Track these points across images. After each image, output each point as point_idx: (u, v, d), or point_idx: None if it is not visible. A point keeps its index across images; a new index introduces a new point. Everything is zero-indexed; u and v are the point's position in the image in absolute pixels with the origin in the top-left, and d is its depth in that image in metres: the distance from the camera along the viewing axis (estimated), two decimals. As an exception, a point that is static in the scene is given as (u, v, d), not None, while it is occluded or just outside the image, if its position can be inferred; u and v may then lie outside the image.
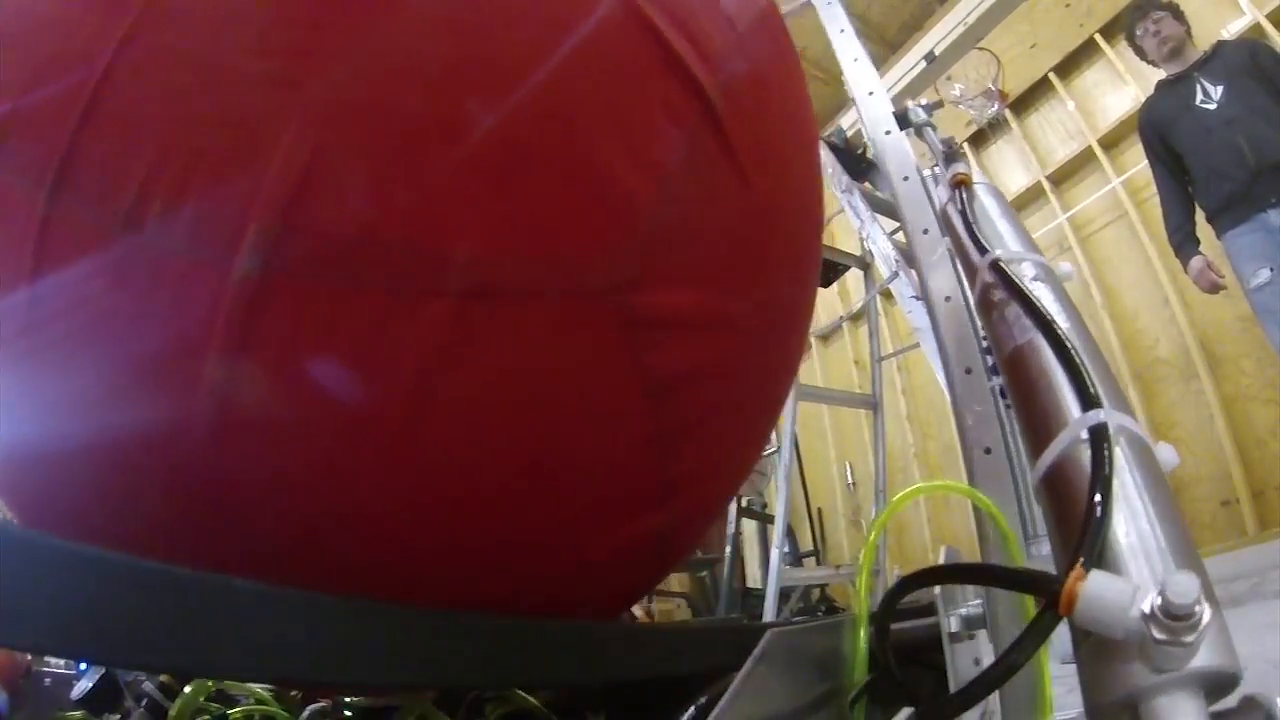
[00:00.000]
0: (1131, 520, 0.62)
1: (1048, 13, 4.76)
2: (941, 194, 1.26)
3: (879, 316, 3.80)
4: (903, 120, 1.51)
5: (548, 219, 0.58)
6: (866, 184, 2.92)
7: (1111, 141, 4.38)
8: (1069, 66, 4.74)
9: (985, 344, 1.08)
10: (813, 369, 6.20)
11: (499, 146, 0.56)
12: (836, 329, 6.13)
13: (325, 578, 0.56)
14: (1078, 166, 4.62)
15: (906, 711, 0.73)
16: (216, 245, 0.50)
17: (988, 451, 1.02)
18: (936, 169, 1.43)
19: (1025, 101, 4.96)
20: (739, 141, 0.69)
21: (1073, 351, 0.75)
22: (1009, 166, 5.00)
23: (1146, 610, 0.49)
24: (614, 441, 0.67)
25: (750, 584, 5.63)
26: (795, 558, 5.28)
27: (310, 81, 0.52)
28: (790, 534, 4.83)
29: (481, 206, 0.55)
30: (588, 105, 0.60)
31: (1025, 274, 0.93)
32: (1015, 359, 0.84)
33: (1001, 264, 0.94)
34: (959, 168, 1.23)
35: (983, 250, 1.00)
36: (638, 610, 3.92)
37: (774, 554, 2.89)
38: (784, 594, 2.90)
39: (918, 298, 2.22)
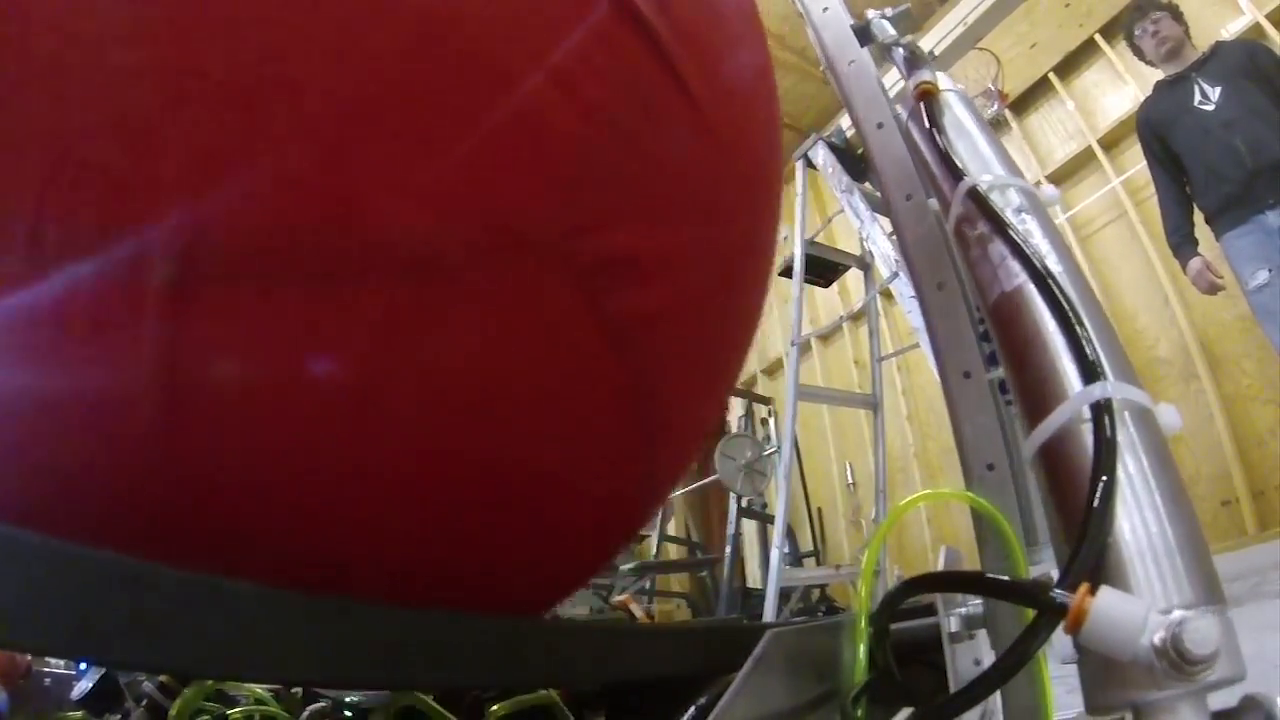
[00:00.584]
0: (1139, 515, 0.58)
1: (1048, 13, 4.77)
2: (904, 108, 1.07)
3: (879, 316, 3.79)
4: (864, 35, 1.22)
5: (478, 175, 0.53)
6: (866, 184, 2.93)
7: (1111, 141, 4.40)
8: (1069, 66, 4.76)
9: (983, 329, 0.91)
10: (813, 368, 6.21)
11: (413, 105, 0.52)
12: (836, 329, 6.12)
13: (296, 569, 0.55)
14: (1077, 166, 4.63)
15: (906, 711, 0.73)
16: (124, 260, 0.46)
17: (991, 467, 0.93)
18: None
19: (1025, 101, 4.98)
20: (685, 67, 0.64)
21: (1069, 309, 0.67)
22: (1008, 167, 5.02)
23: (1158, 644, 0.47)
24: (587, 398, 0.65)
25: (750, 584, 5.66)
26: (795, 558, 5.31)
27: (195, 65, 0.48)
28: (790, 534, 4.88)
29: (402, 175, 0.51)
30: (505, 40, 0.55)
31: (1009, 203, 0.81)
32: (1003, 309, 0.75)
33: (980, 193, 0.81)
34: (922, 75, 1.03)
35: (957, 176, 0.86)
36: (637, 610, 3.92)
37: (774, 554, 2.90)
38: (784, 594, 2.91)
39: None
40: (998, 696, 0.78)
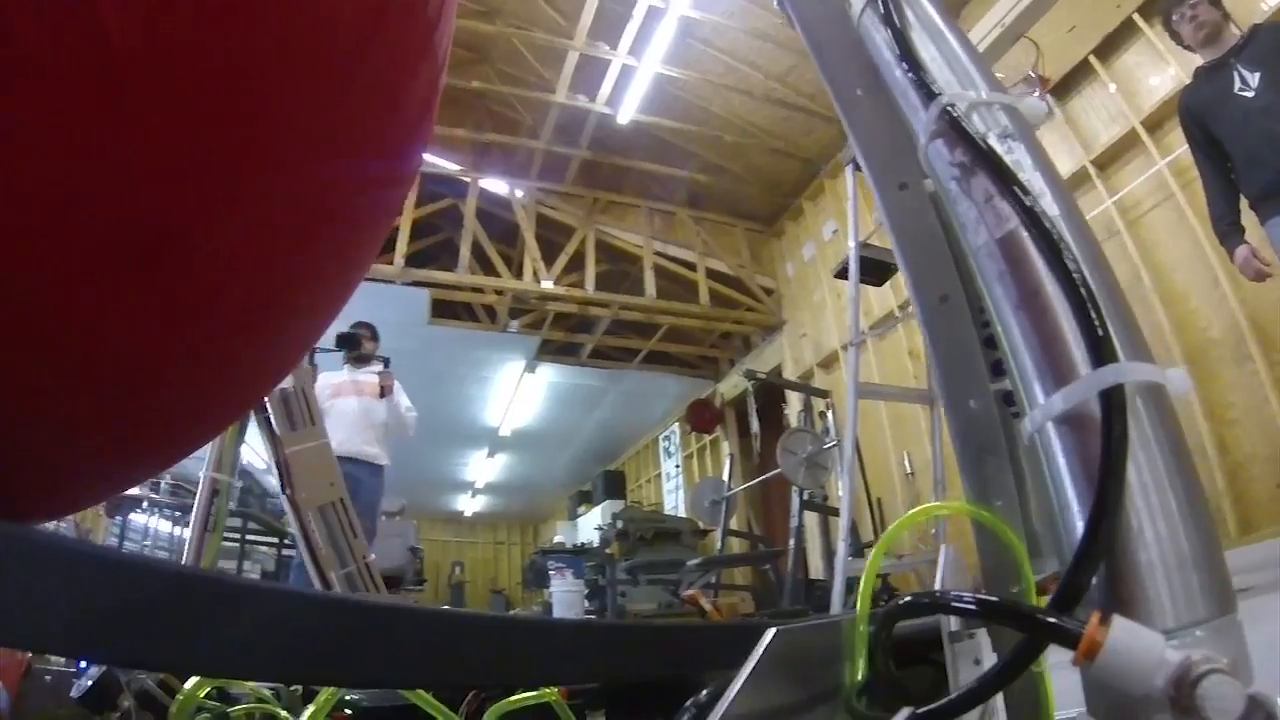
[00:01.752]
0: (1150, 524, 0.53)
1: (1085, -6, 4.64)
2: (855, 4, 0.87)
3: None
4: None
5: None
6: None
7: (1155, 123, 4.27)
8: (1109, 48, 4.63)
9: (986, 333, 0.80)
10: (868, 361, 6.17)
11: None
12: (891, 326, 6.07)
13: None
14: (1122, 150, 4.51)
15: (906, 711, 0.71)
16: None
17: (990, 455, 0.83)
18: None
19: (1066, 86, 4.87)
20: None
21: (1074, 268, 0.59)
22: (1053, 153, 4.89)
23: (1173, 691, 0.44)
24: None
25: (812, 575, 5.66)
26: (857, 548, 5.30)
27: None
28: (851, 525, 4.88)
29: None
30: None
31: (995, 124, 0.67)
32: (995, 259, 0.65)
33: (956, 115, 0.67)
34: None
35: (929, 94, 0.71)
36: (705, 604, 3.89)
37: (840, 546, 2.92)
38: (848, 584, 2.90)
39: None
40: (998, 696, 0.76)
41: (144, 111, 0.61)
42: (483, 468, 12.80)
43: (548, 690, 1.00)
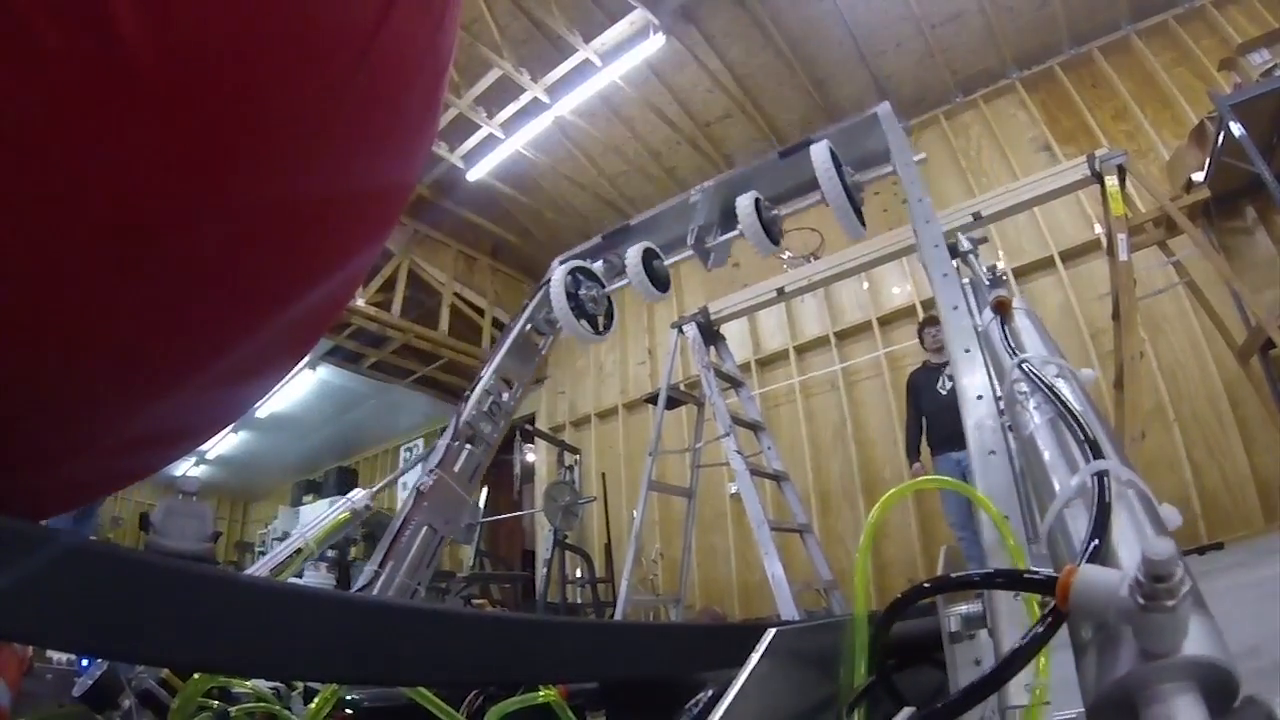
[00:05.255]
0: (1127, 532, 0.66)
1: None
2: (986, 315, 1.55)
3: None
4: (953, 251, 1.93)
5: None
6: (715, 358, 4.21)
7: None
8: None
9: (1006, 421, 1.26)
10: (615, 430, 7.93)
11: None
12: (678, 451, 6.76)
13: None
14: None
15: (908, 711, 0.73)
16: None
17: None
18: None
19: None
20: None
21: (1080, 418, 0.86)
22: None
23: (1131, 580, 0.51)
24: None
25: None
26: (593, 580, 7.04)
27: None
28: (588, 560, 6.91)
29: None
30: None
31: (1048, 373, 1.07)
32: (1033, 439, 0.95)
33: (1027, 365, 1.11)
34: (999, 292, 1.57)
35: (1014, 353, 1.21)
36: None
37: (623, 585, 3.22)
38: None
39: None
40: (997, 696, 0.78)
41: (155, 106, 0.61)
42: (221, 440, 12.18)
43: (548, 690, 1.01)
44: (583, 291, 2.70)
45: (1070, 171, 3.94)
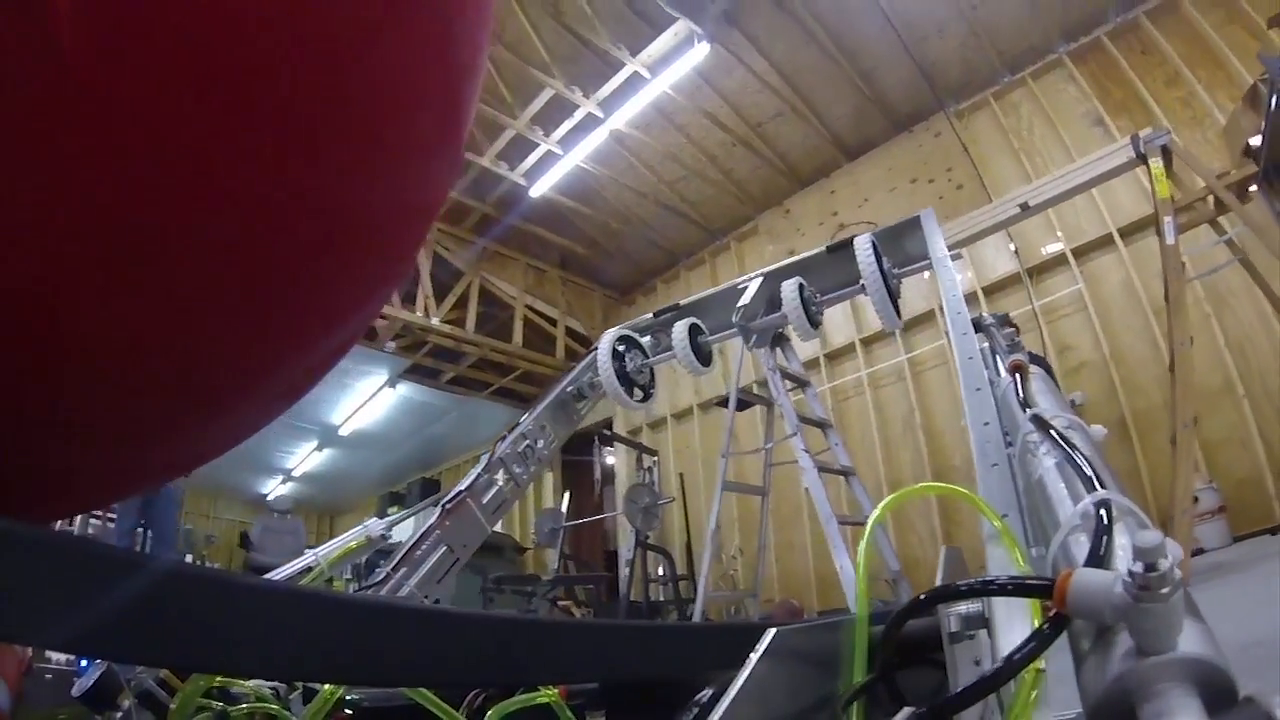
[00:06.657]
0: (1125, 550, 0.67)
1: None
2: (1003, 379, 1.68)
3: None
4: (977, 325, 2.05)
5: None
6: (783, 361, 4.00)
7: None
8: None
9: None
10: (691, 431, 8.00)
11: None
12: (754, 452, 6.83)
13: None
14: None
15: (908, 711, 0.71)
16: None
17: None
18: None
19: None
20: None
21: (1081, 457, 0.93)
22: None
23: (1124, 575, 0.53)
24: None
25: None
26: (675, 579, 7.34)
27: None
28: (669, 559, 7.21)
29: None
30: None
31: (1057, 424, 1.14)
32: (1041, 481, 1.02)
33: (1039, 416, 1.20)
34: (1017, 356, 1.68)
35: (1027, 408, 1.31)
36: (577, 614, 4.20)
37: (700, 582, 3.54)
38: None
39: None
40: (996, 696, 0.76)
41: (99, 113, 0.60)
42: (306, 459, 12.73)
43: (548, 690, 1.01)
44: (629, 360, 2.96)
45: (1115, 155, 3.80)
